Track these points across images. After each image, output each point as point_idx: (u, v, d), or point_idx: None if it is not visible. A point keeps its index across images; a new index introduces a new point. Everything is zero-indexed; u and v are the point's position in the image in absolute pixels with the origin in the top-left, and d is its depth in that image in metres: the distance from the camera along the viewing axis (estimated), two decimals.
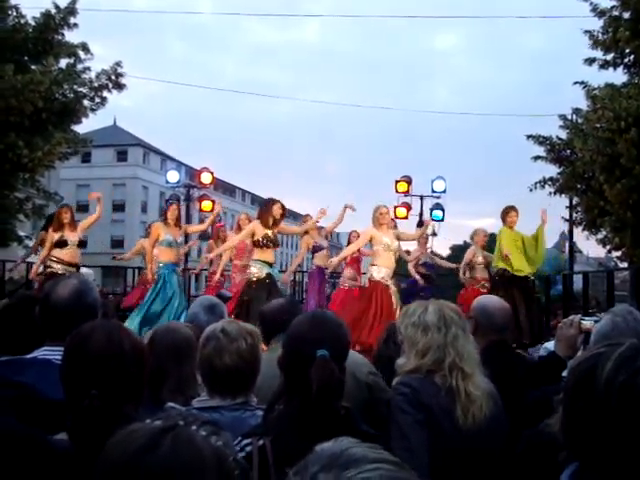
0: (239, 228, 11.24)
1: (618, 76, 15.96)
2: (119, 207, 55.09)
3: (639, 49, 13.68)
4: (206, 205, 16.96)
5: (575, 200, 18.82)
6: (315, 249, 11.93)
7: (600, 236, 17.70)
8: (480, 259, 11.54)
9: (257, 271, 9.15)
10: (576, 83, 15.96)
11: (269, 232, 9.16)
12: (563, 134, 17.90)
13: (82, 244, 10.62)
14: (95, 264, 22.80)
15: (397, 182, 17.49)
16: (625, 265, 17.78)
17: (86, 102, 16.07)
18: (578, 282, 14.36)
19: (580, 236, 18.28)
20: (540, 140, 18.00)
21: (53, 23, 15.69)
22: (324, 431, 2.13)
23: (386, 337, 3.92)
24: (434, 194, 17.85)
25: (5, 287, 14.58)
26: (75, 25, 16.13)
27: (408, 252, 11.92)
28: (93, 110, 16.36)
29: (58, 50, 15.84)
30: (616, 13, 15.50)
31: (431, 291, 12.11)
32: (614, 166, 14.35)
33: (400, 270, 12.54)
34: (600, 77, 15.88)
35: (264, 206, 9.50)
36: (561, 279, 15.77)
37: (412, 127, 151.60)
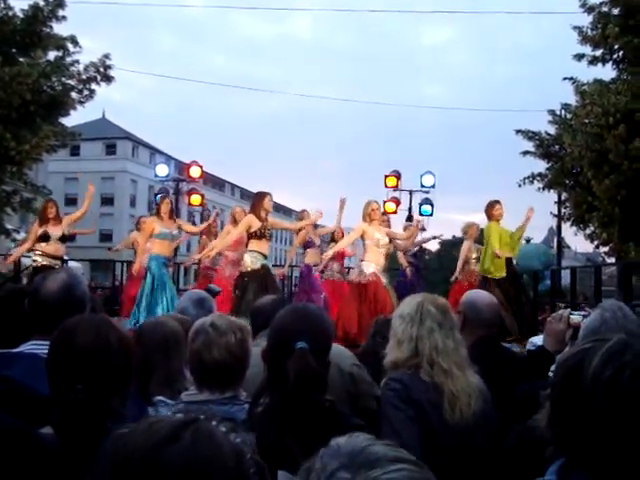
0: (234, 221, 11.27)
1: (607, 72, 16.04)
2: (108, 201, 54.88)
3: (628, 45, 13.72)
4: (195, 199, 16.92)
5: (564, 196, 18.89)
6: (307, 245, 11.92)
7: (588, 231, 17.77)
8: (475, 254, 11.61)
9: (251, 263, 9.25)
10: (565, 79, 16.00)
11: (265, 224, 9.30)
12: (552, 129, 17.95)
13: (66, 238, 10.58)
14: (84, 258, 22.74)
15: (386, 177, 17.50)
16: (613, 260, 17.85)
17: (74, 95, 16.01)
18: (566, 277, 14.41)
19: (568, 231, 18.37)
20: (529, 135, 18.06)
21: (41, 15, 15.62)
22: (308, 424, 2.14)
23: (373, 332, 3.94)
24: (423, 189, 17.86)
25: None
26: (64, 18, 16.06)
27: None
28: (81, 103, 16.31)
29: (46, 42, 15.78)
30: (605, 9, 15.55)
31: (422, 285, 12.18)
32: (602, 162, 14.41)
33: (392, 265, 12.61)
34: (589, 73, 15.90)
35: (256, 199, 9.63)
36: (549, 274, 15.83)
37: (402, 122, 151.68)
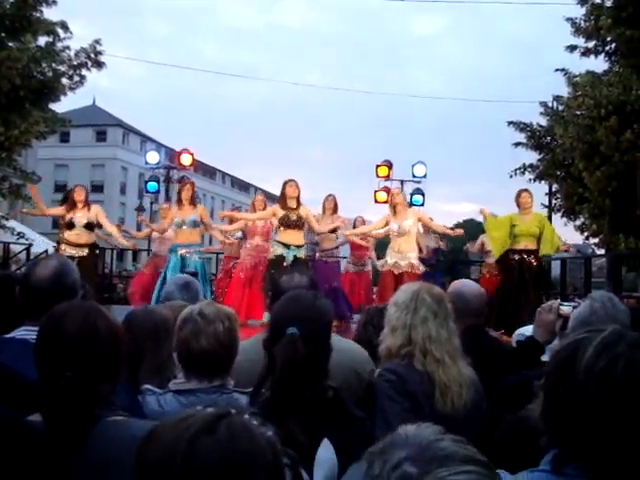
0: (254, 209, 11.23)
1: (599, 64, 16.04)
2: (98, 188, 54.58)
3: (620, 37, 13.72)
4: None
5: (554, 187, 18.91)
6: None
7: (578, 223, 17.81)
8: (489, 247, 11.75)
9: (272, 252, 9.48)
10: (557, 70, 16.01)
11: (290, 213, 9.31)
12: (544, 121, 17.97)
13: (92, 226, 10.19)
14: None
15: (378, 166, 17.48)
16: (602, 252, 17.92)
17: (65, 80, 15.90)
18: (556, 268, 14.47)
19: (559, 223, 18.34)
20: (521, 127, 18.06)
21: (32, 0, 15.47)
22: (311, 412, 2.13)
23: (365, 321, 3.92)
24: (415, 179, 17.85)
25: None
26: (54, 2, 15.92)
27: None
28: (72, 89, 16.20)
29: (36, 27, 15.64)
30: (598, 1, 15.53)
31: (438, 277, 12.28)
32: (594, 153, 14.43)
33: None
34: (581, 65, 15.90)
35: (281, 188, 9.65)
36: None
37: (394, 111, 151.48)
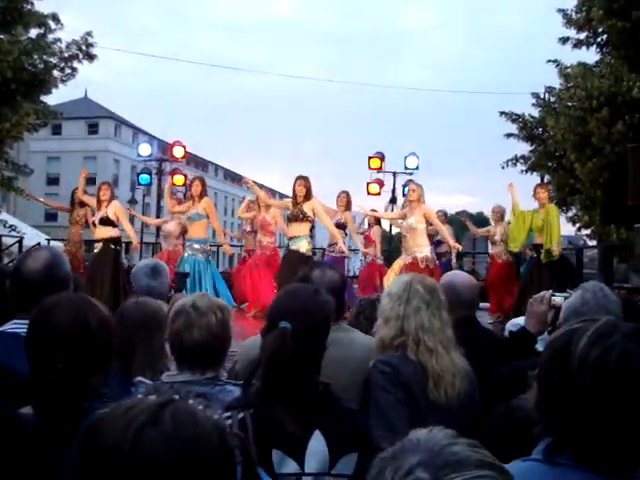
0: (258, 207, 11.63)
1: (591, 55, 16.04)
2: (90, 180, 53.96)
3: (612, 28, 13.70)
4: (178, 179, 16.80)
5: (546, 178, 18.92)
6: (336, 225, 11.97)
7: (570, 214, 17.86)
8: (498, 235, 12.05)
9: (293, 245, 9.70)
10: (549, 61, 16.00)
11: (294, 207, 9.59)
12: (536, 112, 17.97)
13: (108, 222, 10.20)
14: (65, 237, 22.55)
15: (370, 158, 17.48)
16: (594, 243, 17.96)
17: (56, 73, 15.80)
18: None
19: None
20: (513, 118, 18.05)
21: None
22: (301, 406, 2.14)
23: (357, 312, 3.93)
24: (407, 170, 17.86)
25: None
26: None
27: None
28: (63, 81, 16.10)
29: (28, 19, 15.54)
30: None
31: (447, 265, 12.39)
32: (585, 145, 14.44)
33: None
34: (573, 56, 15.88)
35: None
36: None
37: (386, 103, 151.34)
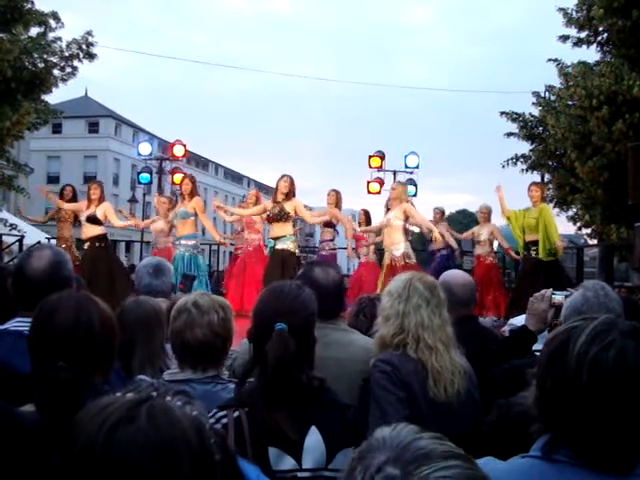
0: (247, 204, 11.86)
1: (591, 54, 16.08)
2: (90, 179, 53.85)
3: (612, 27, 13.68)
4: (178, 178, 16.82)
5: (547, 177, 18.95)
6: (327, 224, 12.05)
7: (571, 213, 17.87)
8: (485, 235, 12.12)
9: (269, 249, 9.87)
10: (550, 60, 16.02)
11: (273, 207, 9.53)
12: (536, 111, 17.97)
13: (95, 220, 10.28)
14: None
15: (370, 157, 17.50)
16: (595, 242, 17.96)
17: (56, 72, 15.80)
18: None
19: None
20: (513, 117, 18.07)
21: None
22: (297, 403, 2.15)
23: (356, 310, 3.93)
24: (407, 169, 17.87)
25: None
26: None
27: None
28: (64, 80, 16.10)
29: (28, 18, 15.52)
30: None
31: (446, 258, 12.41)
32: (586, 144, 14.45)
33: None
34: (574, 55, 15.95)
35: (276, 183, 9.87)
36: None
37: (385, 102, 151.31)
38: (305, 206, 12.32)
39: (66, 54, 15.67)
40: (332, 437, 2.15)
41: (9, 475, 1.49)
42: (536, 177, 19.28)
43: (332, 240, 12.24)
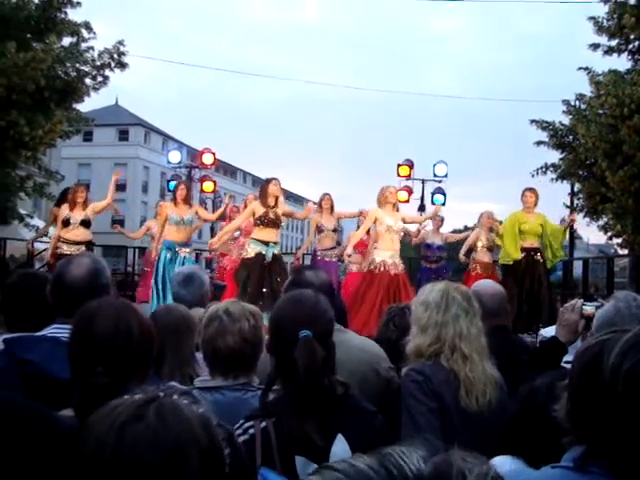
0: (246, 208, 11.37)
1: (622, 62, 15.91)
2: (120, 187, 54.02)
3: None
4: (207, 186, 16.94)
5: (577, 186, 18.78)
6: (318, 230, 11.96)
7: (601, 223, 17.69)
8: (483, 241, 11.68)
9: (250, 250, 9.29)
10: (580, 69, 15.90)
11: (269, 211, 9.25)
12: (566, 120, 17.83)
13: (88, 223, 10.45)
14: (96, 243, 22.81)
15: (399, 166, 17.48)
16: (625, 252, 17.77)
17: (88, 80, 15.99)
18: (578, 269, 14.39)
19: (581, 223, 18.23)
20: (543, 125, 17.93)
21: (56, 1, 15.58)
22: (324, 410, 2.16)
23: (386, 320, 3.94)
24: (436, 178, 17.83)
25: (6, 264, 14.57)
26: (78, 4, 16.02)
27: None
28: (95, 89, 16.28)
29: (61, 28, 15.72)
30: None
31: (449, 269, 12.25)
32: (616, 153, 14.32)
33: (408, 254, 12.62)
34: (604, 63, 15.81)
35: (262, 186, 9.66)
36: (561, 265, 15.78)
37: (414, 111, 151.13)
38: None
39: (98, 63, 15.86)
40: (359, 444, 2.14)
41: (44, 478, 1.51)
42: (566, 186, 19.15)
43: (333, 248, 11.96)
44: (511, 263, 9.71)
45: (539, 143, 18.24)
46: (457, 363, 2.79)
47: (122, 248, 16.56)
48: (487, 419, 2.70)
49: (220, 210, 11.39)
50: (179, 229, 10.09)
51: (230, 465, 1.19)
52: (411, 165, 17.55)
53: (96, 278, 2.69)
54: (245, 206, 11.30)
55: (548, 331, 4.46)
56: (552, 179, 17.93)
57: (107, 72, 16.07)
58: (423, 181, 18.39)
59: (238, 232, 11.69)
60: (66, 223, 10.25)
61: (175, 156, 17.92)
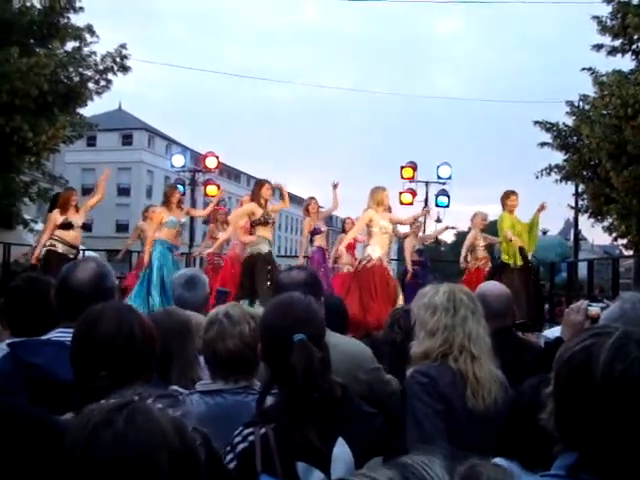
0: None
1: (626, 62, 15.88)
2: (124, 191, 55.05)
3: None
4: (211, 190, 16.93)
5: (581, 187, 18.76)
6: (314, 232, 11.98)
7: (606, 224, 17.65)
8: (481, 241, 11.80)
9: (261, 247, 9.57)
10: (584, 69, 15.87)
11: (266, 212, 9.63)
12: (570, 121, 17.81)
13: (85, 227, 10.64)
14: (100, 248, 22.83)
15: (402, 168, 17.46)
16: (630, 253, 17.72)
17: (91, 85, 16.03)
18: (582, 270, 14.34)
19: (585, 224, 18.22)
20: (547, 126, 17.92)
21: (59, 6, 15.61)
22: (322, 414, 2.13)
23: (391, 322, 3.93)
24: (440, 180, 17.80)
25: (11, 269, 14.59)
26: (81, 9, 16.08)
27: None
28: (98, 93, 16.32)
29: (64, 33, 15.78)
30: None
31: (428, 277, 12.16)
32: (621, 153, 14.29)
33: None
34: (608, 64, 15.72)
35: (255, 188, 9.93)
36: (566, 266, 15.75)
37: (418, 113, 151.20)
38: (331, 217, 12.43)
39: (100, 67, 15.90)
40: (360, 447, 2.12)
41: None
42: (570, 187, 19.12)
43: (325, 249, 12.09)
44: (512, 263, 9.81)
45: (543, 144, 18.23)
46: (465, 363, 2.79)
47: (126, 252, 16.52)
48: (493, 419, 2.68)
49: (210, 207, 11.51)
50: (174, 232, 10.27)
51: (207, 468, 1.20)
52: (415, 167, 17.53)
53: (101, 282, 2.69)
54: (241, 205, 11.47)
55: (553, 332, 4.43)
56: (556, 180, 17.92)
57: (110, 76, 16.14)
58: (427, 183, 18.35)
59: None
60: (68, 226, 10.25)
61: (179, 160, 17.93)
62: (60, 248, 10.08)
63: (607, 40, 15.97)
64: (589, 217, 18.28)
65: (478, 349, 2.82)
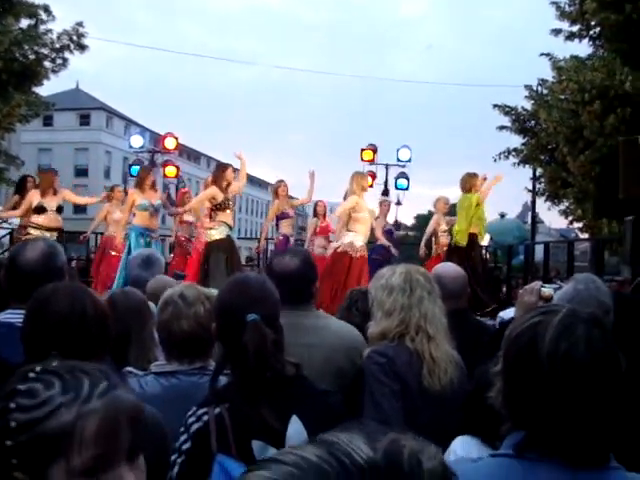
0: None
1: (583, 48, 16.05)
2: (82, 172, 54.19)
3: (605, 21, 13.69)
4: (170, 171, 16.76)
5: (538, 171, 18.98)
6: (281, 216, 11.95)
7: (562, 207, 17.90)
8: (444, 226, 11.82)
9: (218, 233, 9.41)
10: (542, 54, 16.00)
11: (228, 196, 9.48)
12: (529, 105, 17.99)
13: (61, 209, 10.38)
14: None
15: (363, 150, 17.44)
16: (586, 236, 18.00)
17: (47, 63, 15.75)
18: (539, 252, 14.53)
19: (542, 207, 18.46)
20: (506, 110, 18.08)
21: None
22: (276, 393, 2.14)
23: (348, 304, 3.91)
24: (399, 163, 17.82)
25: None
26: None
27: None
28: (55, 72, 16.07)
29: (18, 10, 15.46)
30: None
31: (398, 259, 12.22)
32: (577, 138, 14.46)
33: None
34: (566, 49, 15.87)
35: (217, 171, 9.77)
36: (523, 249, 15.94)
37: (378, 95, 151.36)
38: (292, 198, 12.35)
39: (57, 45, 15.62)
40: (314, 424, 2.12)
41: None
42: (528, 171, 19.33)
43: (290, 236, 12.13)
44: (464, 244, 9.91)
45: (502, 128, 18.38)
46: (422, 343, 2.81)
47: (83, 234, 16.30)
48: (449, 399, 2.71)
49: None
50: (150, 215, 10.08)
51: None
52: (375, 150, 17.53)
53: (51, 261, 2.65)
54: (205, 187, 11.30)
55: (507, 313, 4.49)
56: (514, 164, 18.10)
57: (67, 54, 15.89)
58: (387, 166, 18.35)
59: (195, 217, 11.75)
60: (40, 210, 10.08)
61: (137, 140, 17.70)
62: (37, 234, 9.90)
63: (565, 25, 16.11)
64: (546, 200, 18.51)
65: (434, 329, 2.85)
